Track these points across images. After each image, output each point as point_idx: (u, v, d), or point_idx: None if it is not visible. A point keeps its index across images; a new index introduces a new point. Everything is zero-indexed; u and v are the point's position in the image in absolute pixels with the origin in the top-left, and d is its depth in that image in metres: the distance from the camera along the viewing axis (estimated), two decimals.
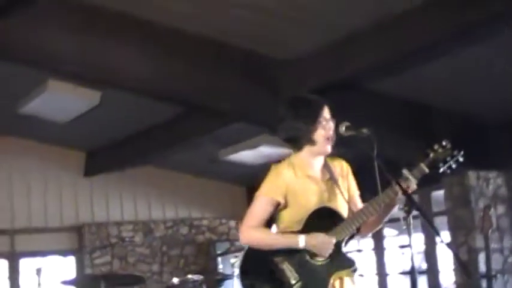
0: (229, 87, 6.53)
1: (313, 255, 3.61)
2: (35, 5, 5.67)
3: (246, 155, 9.22)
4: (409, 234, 3.48)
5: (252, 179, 9.82)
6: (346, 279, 3.69)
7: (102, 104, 7.68)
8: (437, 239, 3.54)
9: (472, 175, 7.85)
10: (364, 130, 3.58)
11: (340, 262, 3.65)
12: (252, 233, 3.67)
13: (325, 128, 3.65)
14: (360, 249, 9.72)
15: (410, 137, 6.18)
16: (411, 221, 3.45)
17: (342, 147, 3.78)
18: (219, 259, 8.58)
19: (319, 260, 3.63)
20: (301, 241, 3.58)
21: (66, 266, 10.54)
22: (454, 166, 3.64)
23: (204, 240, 11.09)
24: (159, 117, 8.39)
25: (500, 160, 7.78)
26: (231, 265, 6.78)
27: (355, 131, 3.62)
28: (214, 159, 9.71)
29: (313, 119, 3.64)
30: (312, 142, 3.66)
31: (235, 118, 7.30)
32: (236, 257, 6.76)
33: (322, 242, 3.58)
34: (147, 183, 10.80)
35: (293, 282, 3.59)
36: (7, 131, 9.65)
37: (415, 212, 3.50)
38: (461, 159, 3.65)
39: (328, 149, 3.68)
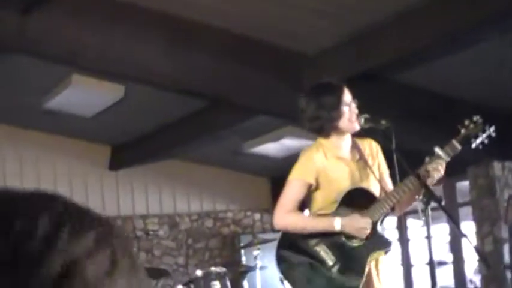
0: (251, 81, 6.54)
1: (348, 237, 3.59)
2: (59, 1, 5.73)
3: (270, 148, 9.23)
4: (428, 226, 3.45)
5: (275, 171, 9.94)
6: (382, 260, 3.68)
7: (126, 98, 7.74)
8: (462, 230, 3.49)
9: (497, 166, 7.80)
10: (383, 122, 3.55)
11: (376, 243, 3.63)
12: (287, 217, 3.64)
13: (349, 111, 3.63)
14: None
15: (435, 128, 6.13)
16: (429, 212, 3.42)
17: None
18: (242, 251, 8.57)
19: (355, 241, 3.62)
20: (337, 224, 3.56)
21: None
22: (486, 141, 3.56)
23: (229, 232, 11.12)
24: (184, 110, 8.41)
25: None
26: (253, 257, 6.80)
27: (374, 123, 3.59)
28: (238, 152, 9.73)
29: (336, 107, 3.61)
30: (337, 129, 3.65)
31: (258, 111, 7.31)
32: (259, 249, 6.81)
33: (358, 225, 3.56)
34: (172, 176, 10.85)
35: (330, 264, 3.58)
36: (33, 126, 9.73)
37: (434, 204, 3.46)
38: (493, 135, 3.56)
39: (356, 126, 3.65)
